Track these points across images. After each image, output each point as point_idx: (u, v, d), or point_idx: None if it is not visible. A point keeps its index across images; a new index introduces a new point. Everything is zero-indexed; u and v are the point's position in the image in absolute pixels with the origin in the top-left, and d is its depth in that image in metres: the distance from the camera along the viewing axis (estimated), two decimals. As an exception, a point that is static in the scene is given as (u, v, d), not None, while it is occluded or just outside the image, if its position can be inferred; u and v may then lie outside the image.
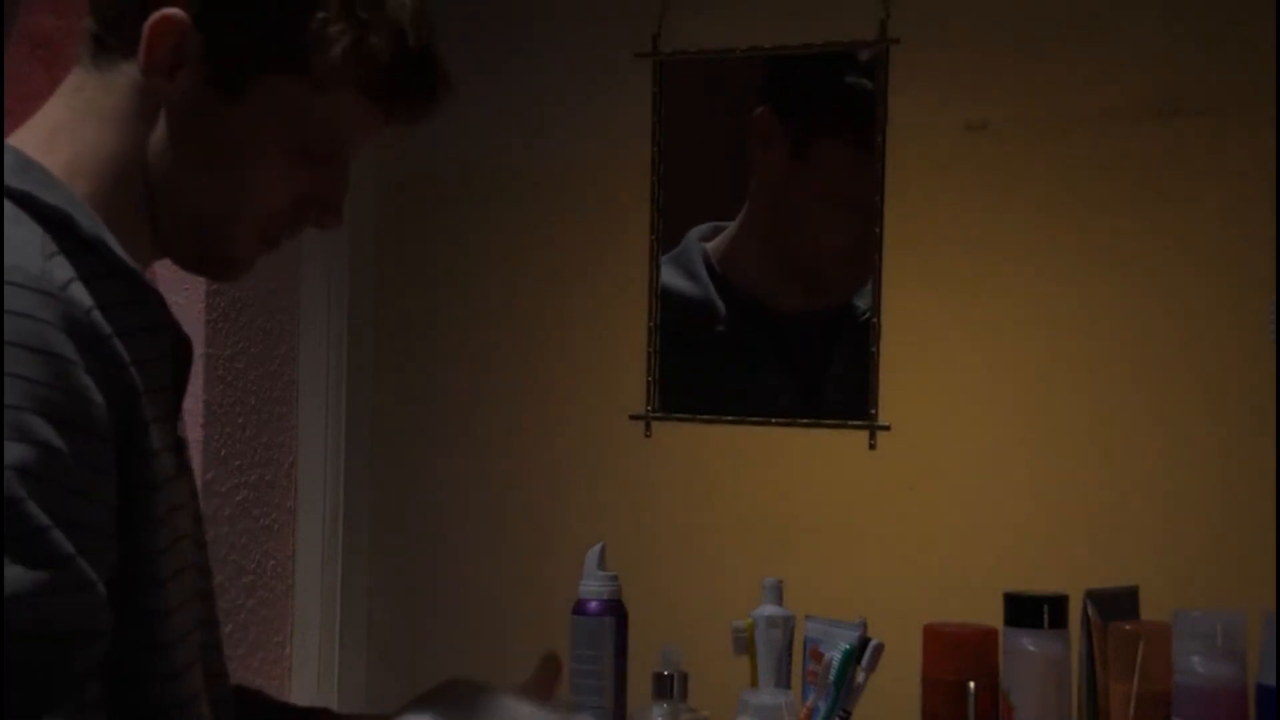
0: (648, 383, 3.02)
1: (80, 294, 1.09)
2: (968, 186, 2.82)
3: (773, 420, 2.93)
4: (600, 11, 3.07)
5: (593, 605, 1.94)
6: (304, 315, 3.08)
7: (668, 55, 3.00)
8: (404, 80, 1.21)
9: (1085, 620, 1.86)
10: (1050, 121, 2.77)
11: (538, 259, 3.12)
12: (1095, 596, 1.87)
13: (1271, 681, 1.66)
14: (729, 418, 2.96)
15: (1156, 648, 1.77)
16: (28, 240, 1.08)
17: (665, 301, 3.00)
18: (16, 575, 0.99)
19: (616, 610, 1.94)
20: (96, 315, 1.09)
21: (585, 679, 1.92)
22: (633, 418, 3.02)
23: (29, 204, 1.11)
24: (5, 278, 1.04)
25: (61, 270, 1.09)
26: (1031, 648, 1.82)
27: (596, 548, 1.96)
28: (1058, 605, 1.84)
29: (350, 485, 3.13)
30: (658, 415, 3.02)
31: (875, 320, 2.85)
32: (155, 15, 1.16)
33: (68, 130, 1.19)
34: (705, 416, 2.98)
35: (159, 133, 1.19)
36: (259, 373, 2.94)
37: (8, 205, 1.10)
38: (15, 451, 1.00)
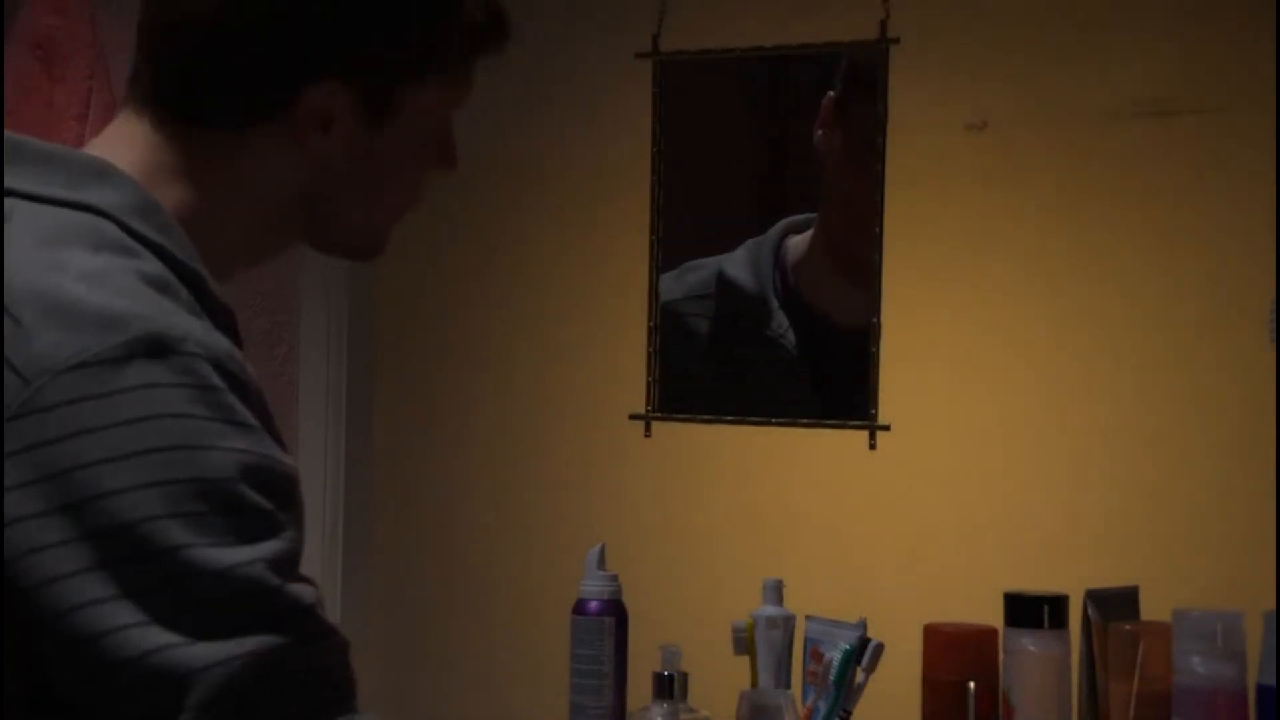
0: (648, 383, 3.02)
1: (220, 343, 1.08)
2: (968, 186, 2.82)
3: (773, 420, 2.93)
4: (600, 11, 3.07)
5: (593, 605, 1.94)
6: (304, 315, 3.07)
7: (668, 55, 3.00)
8: (491, 34, 1.24)
9: (1085, 620, 1.86)
10: (1050, 121, 2.77)
11: (537, 259, 3.12)
12: (1095, 596, 1.87)
13: (1271, 681, 1.66)
14: (729, 418, 2.96)
15: (1156, 648, 1.77)
16: (174, 307, 1.06)
17: (722, 288, 2.96)
18: (304, 651, 0.99)
19: (616, 610, 1.94)
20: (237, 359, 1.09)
21: (585, 679, 1.92)
22: (633, 418, 3.02)
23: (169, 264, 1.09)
24: (178, 348, 1.02)
25: (203, 325, 1.09)
26: (1031, 648, 1.82)
27: (596, 548, 1.96)
28: (1058, 605, 1.84)
29: (350, 485, 3.13)
30: (658, 415, 3.01)
31: (875, 320, 2.85)
32: (310, 91, 1.13)
33: (210, 208, 1.16)
34: (705, 416, 2.98)
35: (315, 180, 1.17)
36: (259, 373, 2.91)
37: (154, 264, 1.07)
38: (267, 546, 0.99)
